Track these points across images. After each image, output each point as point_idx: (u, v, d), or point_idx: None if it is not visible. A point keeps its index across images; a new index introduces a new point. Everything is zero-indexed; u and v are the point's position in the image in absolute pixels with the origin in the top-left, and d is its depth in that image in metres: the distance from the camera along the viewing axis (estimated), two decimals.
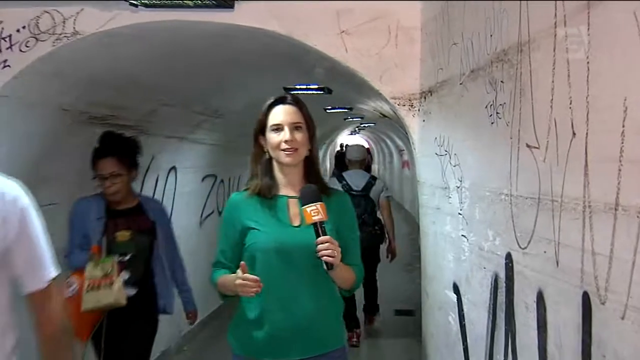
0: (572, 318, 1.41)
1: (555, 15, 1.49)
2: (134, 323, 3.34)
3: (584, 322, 1.36)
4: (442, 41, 2.73)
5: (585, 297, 1.35)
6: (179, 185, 5.41)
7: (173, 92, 4.44)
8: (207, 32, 3.42)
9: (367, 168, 6.26)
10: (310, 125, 2.30)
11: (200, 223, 6.08)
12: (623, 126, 1.19)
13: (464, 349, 2.43)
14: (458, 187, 2.51)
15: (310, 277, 2.22)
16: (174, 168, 5.29)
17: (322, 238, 2.11)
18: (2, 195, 1.70)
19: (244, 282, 2.09)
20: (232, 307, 2.41)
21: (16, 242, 1.70)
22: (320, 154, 17.31)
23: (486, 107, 2.05)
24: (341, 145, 18.55)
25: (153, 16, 3.14)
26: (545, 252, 1.57)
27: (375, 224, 5.65)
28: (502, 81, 1.91)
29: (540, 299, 1.63)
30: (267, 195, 2.28)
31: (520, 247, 1.76)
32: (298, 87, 5.46)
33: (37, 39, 3.08)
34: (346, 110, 8.42)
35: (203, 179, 6.13)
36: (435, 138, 2.89)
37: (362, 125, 14.18)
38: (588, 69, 1.33)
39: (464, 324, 2.45)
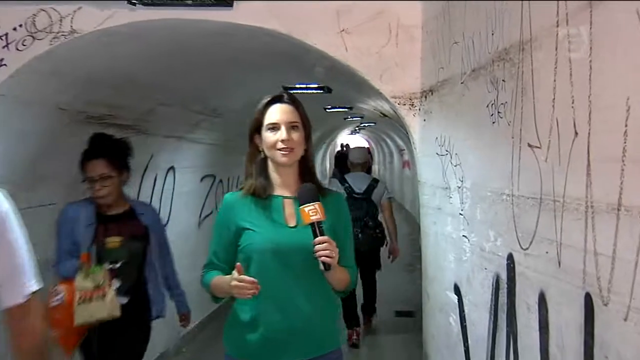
0: (574, 319, 1.41)
1: (557, 13, 1.48)
2: (127, 331, 3.23)
3: (586, 323, 1.35)
4: (443, 40, 2.72)
5: (588, 298, 1.34)
6: (177, 185, 5.39)
7: (171, 91, 4.43)
8: (205, 30, 3.40)
9: (368, 170, 6.25)
10: (306, 125, 2.28)
11: (199, 223, 6.07)
12: (626, 126, 1.18)
13: (465, 350, 2.42)
14: (459, 187, 2.50)
15: (306, 278, 2.19)
16: (172, 168, 5.27)
17: (320, 238, 2.09)
18: None
19: (240, 283, 2.06)
20: (231, 308, 2.38)
21: None
22: (320, 153, 17.41)
23: (487, 106, 2.05)
24: (341, 145, 18.59)
25: (151, 14, 3.12)
26: (547, 252, 1.57)
27: (377, 227, 5.64)
28: (503, 80, 1.90)
29: (542, 300, 1.62)
30: (262, 195, 2.25)
31: (521, 248, 1.76)
32: (298, 86, 5.46)
33: (34, 38, 3.06)
34: (346, 109, 8.42)
35: (202, 179, 6.12)
36: (436, 138, 2.87)
37: (362, 125, 14.17)
38: (590, 68, 1.32)
39: (465, 325, 2.44)
